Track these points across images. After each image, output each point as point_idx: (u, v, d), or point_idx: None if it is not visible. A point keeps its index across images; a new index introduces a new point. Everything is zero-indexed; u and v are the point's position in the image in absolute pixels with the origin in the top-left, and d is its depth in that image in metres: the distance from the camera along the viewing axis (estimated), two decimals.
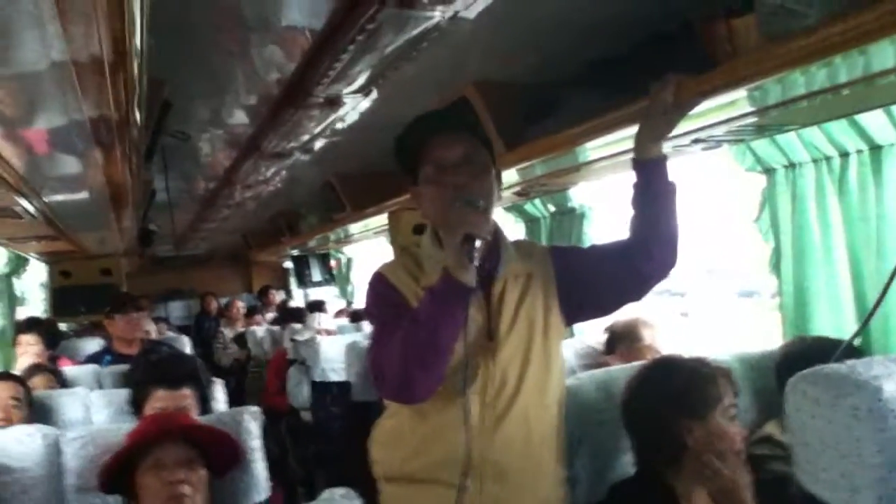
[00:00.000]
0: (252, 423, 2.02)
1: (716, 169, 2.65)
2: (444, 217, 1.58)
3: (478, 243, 1.48)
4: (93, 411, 2.69)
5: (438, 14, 1.71)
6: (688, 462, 1.61)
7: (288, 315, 6.00)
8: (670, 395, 1.66)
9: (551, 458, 1.70)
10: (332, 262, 7.67)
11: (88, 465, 1.88)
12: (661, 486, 1.64)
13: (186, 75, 2.37)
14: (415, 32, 1.78)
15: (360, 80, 2.25)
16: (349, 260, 7.10)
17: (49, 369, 3.25)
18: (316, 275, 7.64)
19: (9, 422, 2.34)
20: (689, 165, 2.55)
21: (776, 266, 2.32)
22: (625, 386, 1.78)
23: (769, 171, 2.34)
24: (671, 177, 1.72)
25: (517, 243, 1.80)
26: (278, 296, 8.28)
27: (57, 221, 2.79)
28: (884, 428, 0.93)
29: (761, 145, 2.28)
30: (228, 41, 2.08)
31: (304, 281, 7.80)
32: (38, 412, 2.53)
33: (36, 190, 2.14)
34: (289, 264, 8.54)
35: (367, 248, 6.26)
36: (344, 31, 1.78)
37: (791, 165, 2.26)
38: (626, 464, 1.80)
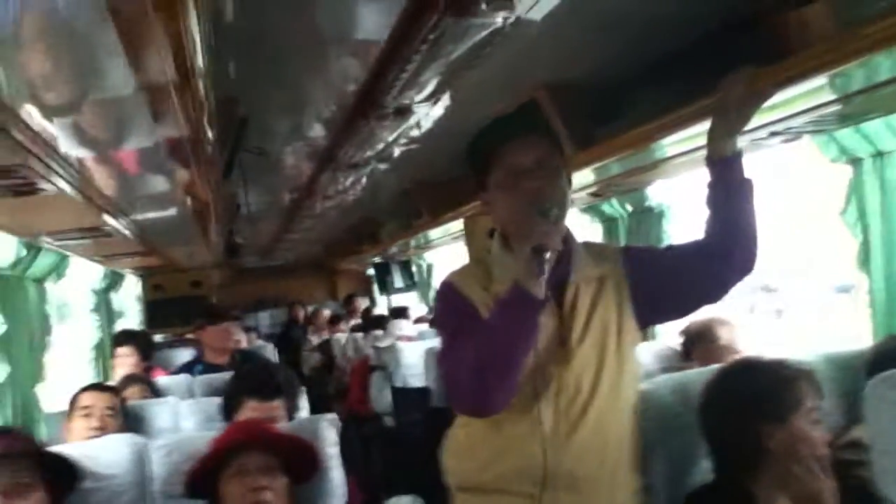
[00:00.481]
0: (329, 431, 2.06)
1: (808, 158, 2.54)
2: (516, 225, 1.56)
3: (548, 254, 1.46)
4: (181, 419, 2.80)
5: (500, 19, 1.71)
6: (768, 468, 1.56)
7: (371, 322, 6.09)
8: (749, 397, 1.60)
9: (626, 465, 1.67)
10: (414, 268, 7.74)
11: (174, 472, 1.95)
12: (741, 493, 1.59)
13: (262, 92, 2.45)
14: (477, 39, 1.78)
15: (429, 89, 2.26)
16: (430, 266, 7.15)
17: (142, 379, 3.39)
18: (398, 281, 7.72)
19: (104, 430, 2.45)
20: (780, 155, 2.47)
21: (865, 261, 2.21)
22: (702, 389, 1.73)
23: (855, 162, 2.23)
24: (748, 173, 1.66)
25: (588, 245, 1.77)
26: (363, 303, 8.41)
27: (146, 238, 2.92)
28: None
29: (846, 134, 2.18)
30: (300, 57, 2.14)
31: (386, 287, 7.89)
32: (130, 421, 2.64)
33: (123, 209, 2.25)
34: (371, 271, 8.66)
35: (448, 253, 6.29)
36: (408, 41, 1.80)
37: (879, 154, 2.15)
38: (704, 470, 1.74)
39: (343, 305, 8.52)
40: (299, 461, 1.93)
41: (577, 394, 1.61)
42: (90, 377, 4.29)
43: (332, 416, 2.12)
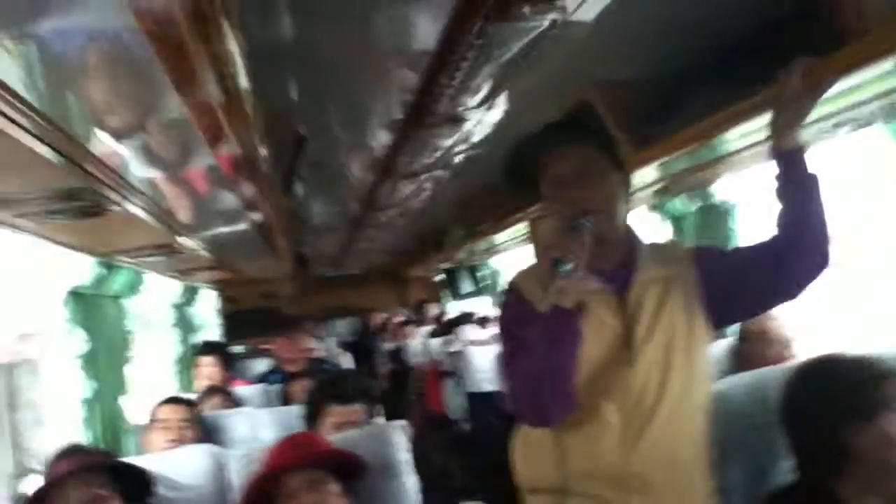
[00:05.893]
0: (399, 437, 2.07)
1: None
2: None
3: (569, 266, 1.45)
4: (259, 429, 2.86)
5: (546, 22, 1.69)
6: (855, 469, 1.48)
7: (446, 327, 6.08)
8: (834, 396, 1.53)
9: (699, 468, 1.62)
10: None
11: None
12: (825, 496, 1.51)
13: (318, 107, 2.49)
14: (524, 42, 1.77)
15: (482, 94, 2.26)
16: (496, 270, 7.12)
17: (223, 390, 3.49)
18: (466, 286, 7.72)
19: (180, 442, 2.54)
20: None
21: None
22: (782, 388, 1.66)
23: None
24: (811, 167, 1.59)
25: (656, 246, 1.75)
26: (434, 309, 8.43)
27: (215, 253, 3.00)
28: None
29: None
30: (353, 70, 2.16)
31: (454, 293, 7.90)
32: (208, 432, 2.72)
33: (189, 227, 2.31)
34: (439, 277, 8.68)
35: (516, 256, 6.25)
36: (454, 49, 1.80)
37: None
38: (783, 471, 1.68)
39: (414, 312, 8.56)
40: (348, 471, 1.92)
41: (644, 395, 1.59)
42: (174, 389, 4.42)
43: (402, 422, 2.14)
